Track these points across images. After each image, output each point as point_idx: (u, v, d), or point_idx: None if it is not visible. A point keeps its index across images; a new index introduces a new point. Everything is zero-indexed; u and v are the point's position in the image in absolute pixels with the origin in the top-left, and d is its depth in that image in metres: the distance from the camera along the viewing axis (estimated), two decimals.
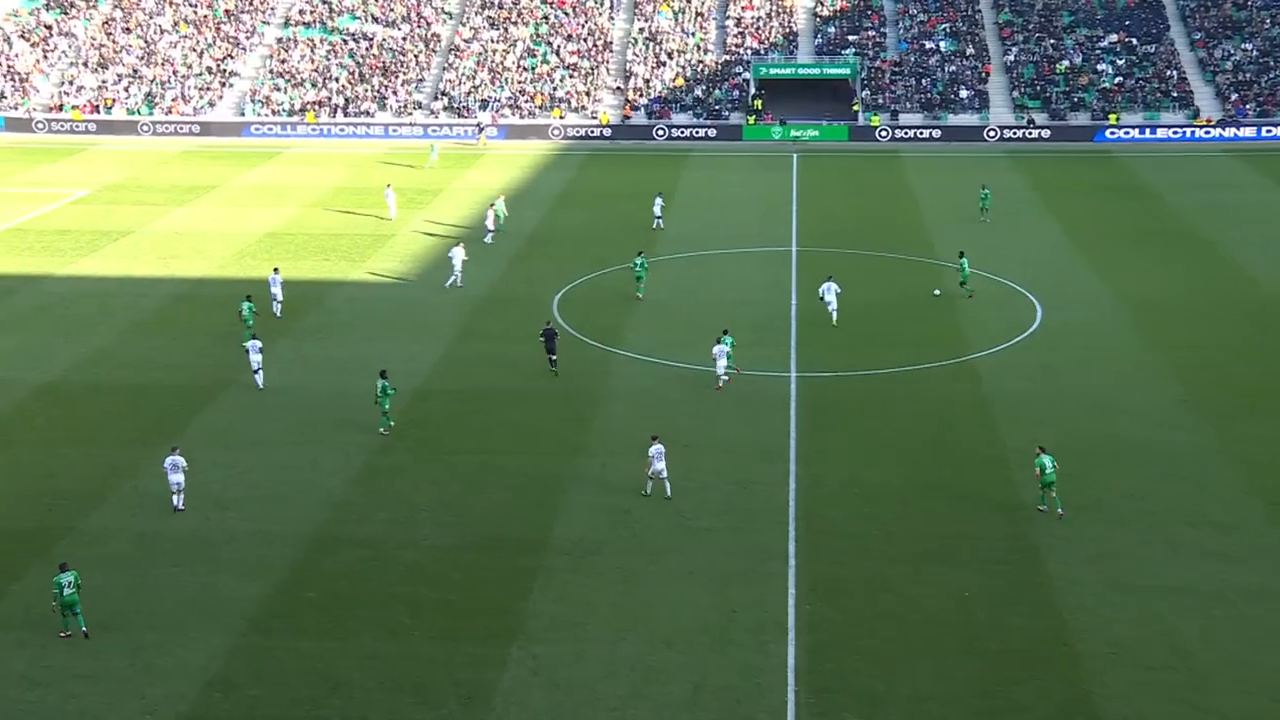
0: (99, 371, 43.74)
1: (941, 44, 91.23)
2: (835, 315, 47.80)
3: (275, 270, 50.25)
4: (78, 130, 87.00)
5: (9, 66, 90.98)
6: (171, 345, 45.97)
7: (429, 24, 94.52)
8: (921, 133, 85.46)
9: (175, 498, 33.34)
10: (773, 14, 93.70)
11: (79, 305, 50.60)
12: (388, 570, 30.57)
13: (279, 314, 48.47)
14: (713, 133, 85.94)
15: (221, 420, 39.53)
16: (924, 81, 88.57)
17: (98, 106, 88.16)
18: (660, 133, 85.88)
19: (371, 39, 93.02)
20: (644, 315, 49.06)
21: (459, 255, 52.67)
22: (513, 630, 28.04)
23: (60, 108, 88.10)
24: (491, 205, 61.61)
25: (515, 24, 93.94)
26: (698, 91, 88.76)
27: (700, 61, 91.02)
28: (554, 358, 42.61)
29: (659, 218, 62.37)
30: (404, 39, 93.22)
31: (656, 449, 33.79)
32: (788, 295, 51.84)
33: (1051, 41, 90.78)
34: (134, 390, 41.97)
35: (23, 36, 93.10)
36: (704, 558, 31.12)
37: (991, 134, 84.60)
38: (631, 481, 34.95)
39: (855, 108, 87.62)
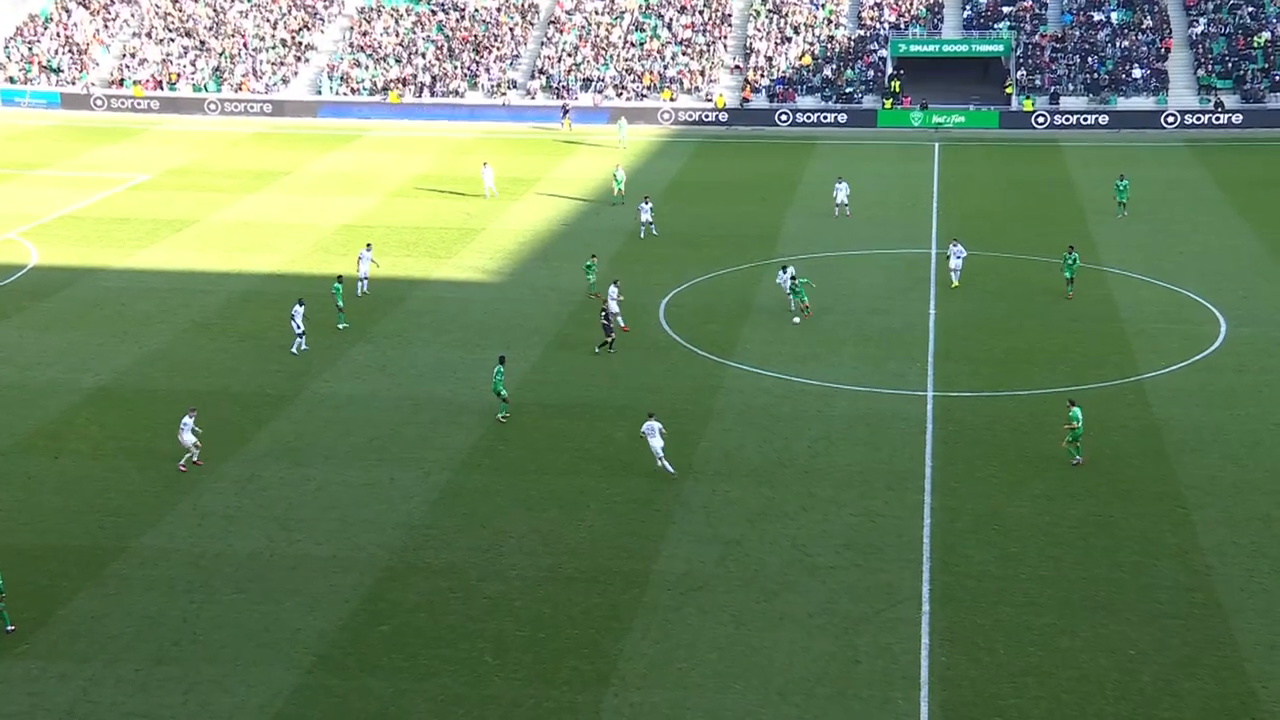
0: (156, 375, 45.10)
1: (1113, 15, 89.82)
2: (957, 278, 51.26)
3: (367, 246, 53.20)
4: (139, 108, 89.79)
5: (67, 37, 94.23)
6: (237, 348, 47.17)
7: None
8: (1085, 119, 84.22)
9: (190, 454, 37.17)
10: None
11: (136, 301, 52.22)
12: (470, 603, 31.02)
13: (361, 293, 51.36)
14: (843, 118, 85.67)
15: (290, 432, 40.48)
16: (1090, 60, 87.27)
17: (161, 82, 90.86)
18: (783, 118, 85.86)
19: (463, 10, 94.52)
20: (761, 325, 49.10)
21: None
22: (607, 674, 28.26)
23: (120, 83, 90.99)
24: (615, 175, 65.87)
25: None
26: (827, 71, 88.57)
27: (831, 38, 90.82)
28: (610, 340, 45.90)
29: (843, 204, 63.54)
30: (498, 10, 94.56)
31: (650, 426, 36.91)
32: (925, 303, 51.48)
33: (1250, 9, 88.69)
34: (194, 397, 43.08)
35: (82, 4, 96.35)
36: (824, 598, 31.06)
37: (1170, 120, 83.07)
38: (744, 510, 35.05)
39: (1008, 90, 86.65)
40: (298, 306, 46.58)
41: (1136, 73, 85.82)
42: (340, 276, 49.81)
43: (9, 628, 29.58)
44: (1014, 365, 45.21)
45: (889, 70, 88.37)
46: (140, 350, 47.11)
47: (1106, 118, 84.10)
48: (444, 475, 37.43)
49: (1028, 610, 30.51)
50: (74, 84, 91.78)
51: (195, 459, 37.68)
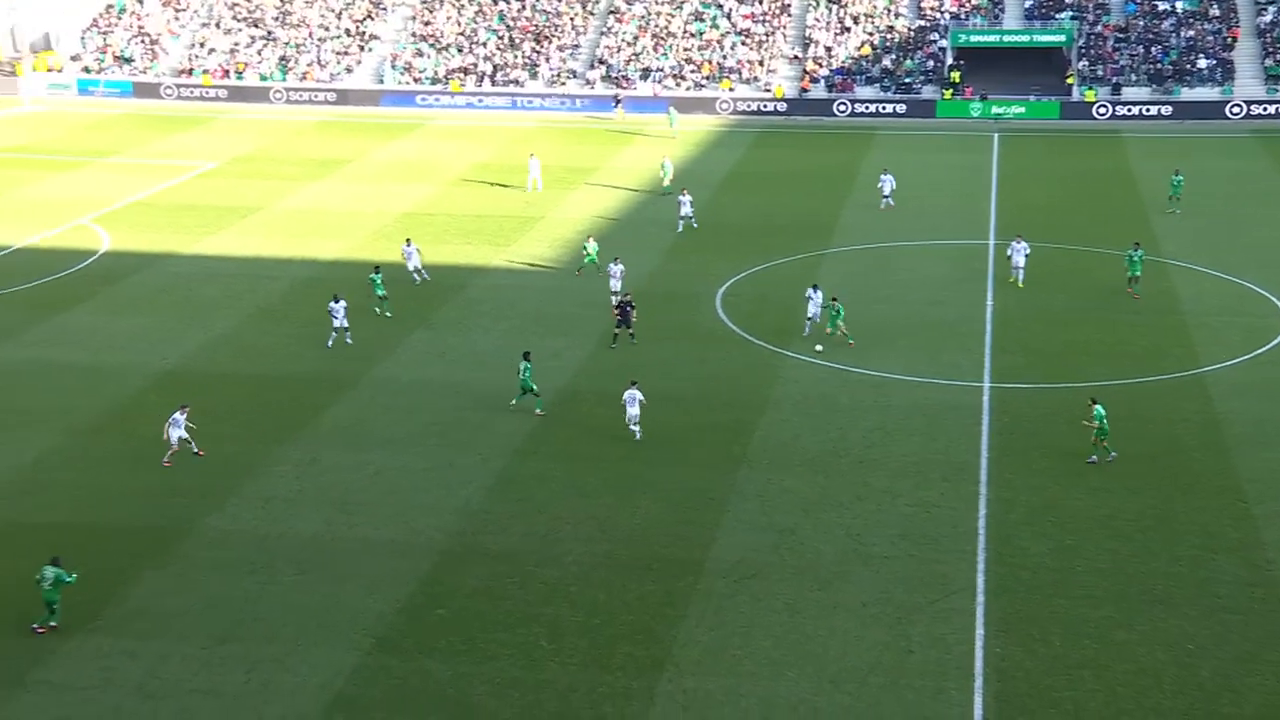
0: (222, 359, 45.57)
1: (1178, 4, 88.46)
2: (1021, 276, 50.28)
3: (408, 241, 52.85)
4: (207, 97, 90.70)
5: (139, 28, 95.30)
6: (300, 333, 47.57)
7: None
8: (1148, 109, 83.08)
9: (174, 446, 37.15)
10: None
11: (203, 287, 52.77)
12: (527, 588, 31.14)
13: (421, 280, 51.84)
14: (902, 109, 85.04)
15: (351, 417, 40.77)
16: (1154, 50, 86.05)
17: (228, 71, 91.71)
18: (842, 108, 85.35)
19: (524, 0, 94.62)
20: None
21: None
22: (661, 660, 28.28)
23: (190, 72, 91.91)
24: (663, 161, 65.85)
25: None
26: (886, 62, 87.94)
27: (890, 28, 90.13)
28: (631, 330, 45.31)
29: (887, 197, 62.77)
30: (559, 1, 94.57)
31: (631, 394, 38.25)
32: (982, 295, 51.03)
33: None
34: (258, 381, 43.57)
35: None
36: (878, 588, 30.90)
37: (1235, 110, 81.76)
38: (799, 499, 34.93)
39: (1069, 80, 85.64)
40: (335, 303, 45.97)
41: (1202, 63, 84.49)
42: (378, 267, 49.67)
43: (51, 624, 29.36)
44: (1072, 357, 44.72)
45: (949, 61, 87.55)
46: (207, 335, 47.61)
47: (1170, 108, 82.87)
48: (501, 461, 37.56)
49: (1084, 602, 30.19)
50: (145, 73, 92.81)
51: (195, 450, 37.50)
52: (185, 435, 37.33)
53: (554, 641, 29.01)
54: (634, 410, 38.39)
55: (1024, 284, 51.09)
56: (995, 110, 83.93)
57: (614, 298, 48.68)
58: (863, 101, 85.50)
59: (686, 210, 59.43)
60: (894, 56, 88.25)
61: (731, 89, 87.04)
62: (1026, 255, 51.44)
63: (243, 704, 27.11)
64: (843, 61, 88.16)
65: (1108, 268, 53.27)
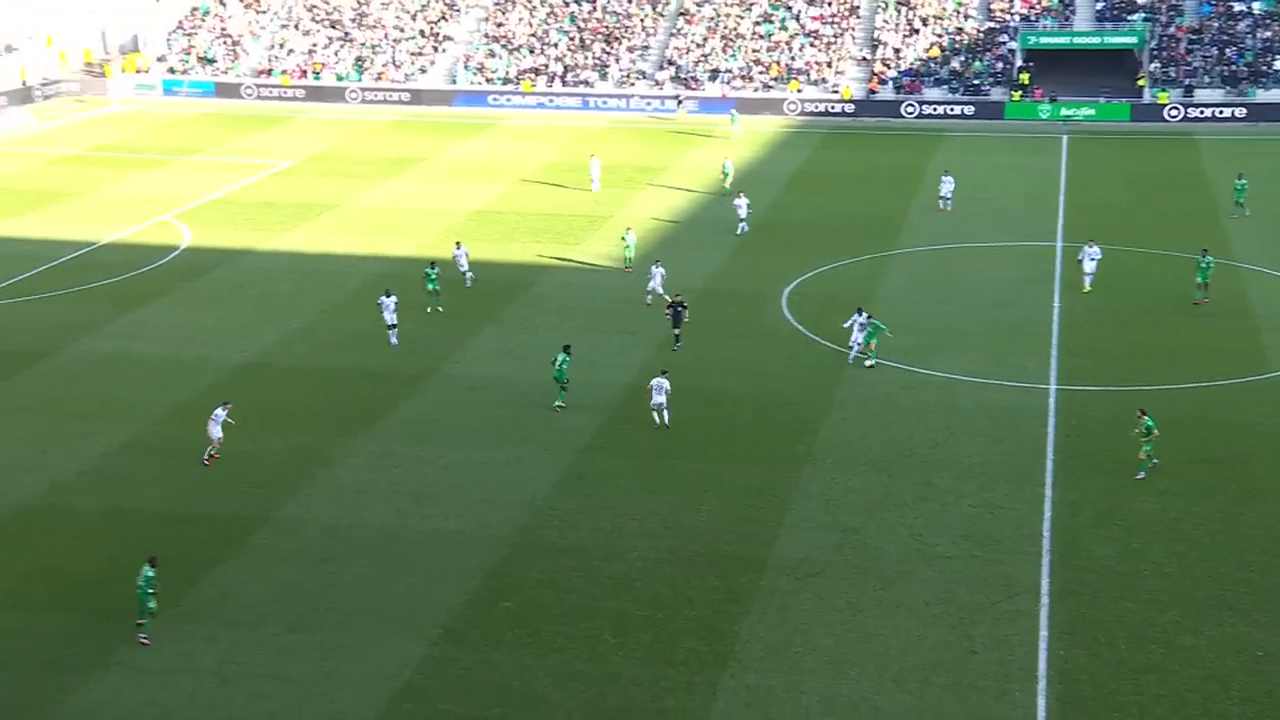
0: (297, 354, 46.13)
1: (1255, 5, 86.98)
2: (1090, 281, 49.85)
3: (458, 244, 52.83)
4: (286, 96, 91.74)
5: (222, 29, 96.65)
6: (373, 328, 47.97)
7: None
8: (1221, 112, 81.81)
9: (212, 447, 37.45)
10: None
11: (280, 282, 53.42)
12: (592, 582, 31.26)
13: (470, 283, 51.61)
14: (970, 110, 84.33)
15: (421, 411, 41.13)
16: (1228, 51, 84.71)
17: (306, 71, 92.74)
18: (909, 109, 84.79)
19: (595, 2, 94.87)
20: (884, 315, 48.54)
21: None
22: (724, 656, 28.30)
23: (269, 72, 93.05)
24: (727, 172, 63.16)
25: None
26: (955, 63, 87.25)
27: (960, 29, 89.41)
28: (677, 333, 44.80)
29: (947, 198, 62.26)
30: (630, 2, 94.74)
31: (658, 382, 38.64)
32: (1049, 297, 50.52)
33: None
34: (332, 375, 44.06)
35: None
36: (941, 588, 30.72)
37: None
38: (863, 499, 34.80)
39: (1140, 82, 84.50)
40: (385, 298, 46.00)
41: (1278, 64, 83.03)
42: (433, 262, 50.20)
43: (142, 621, 29.55)
44: (1140, 360, 44.18)
45: (1018, 62, 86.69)
46: (283, 329, 48.20)
47: (1243, 110, 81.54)
48: (568, 457, 37.72)
49: (1150, 606, 29.83)
50: (226, 74, 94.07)
51: (214, 453, 37.32)
52: (221, 435, 37.21)
53: (618, 635, 29.11)
54: (659, 399, 38.77)
55: (1092, 287, 50.50)
56: (1064, 112, 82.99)
57: (648, 297, 48.94)
58: (931, 103, 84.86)
59: (743, 213, 59.15)
60: (963, 58, 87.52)
61: (799, 90, 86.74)
62: (1097, 260, 50.71)
63: (314, 690, 27.45)
64: (911, 63, 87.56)
65: (1177, 271, 52.53)
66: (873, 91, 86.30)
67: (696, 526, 33.81)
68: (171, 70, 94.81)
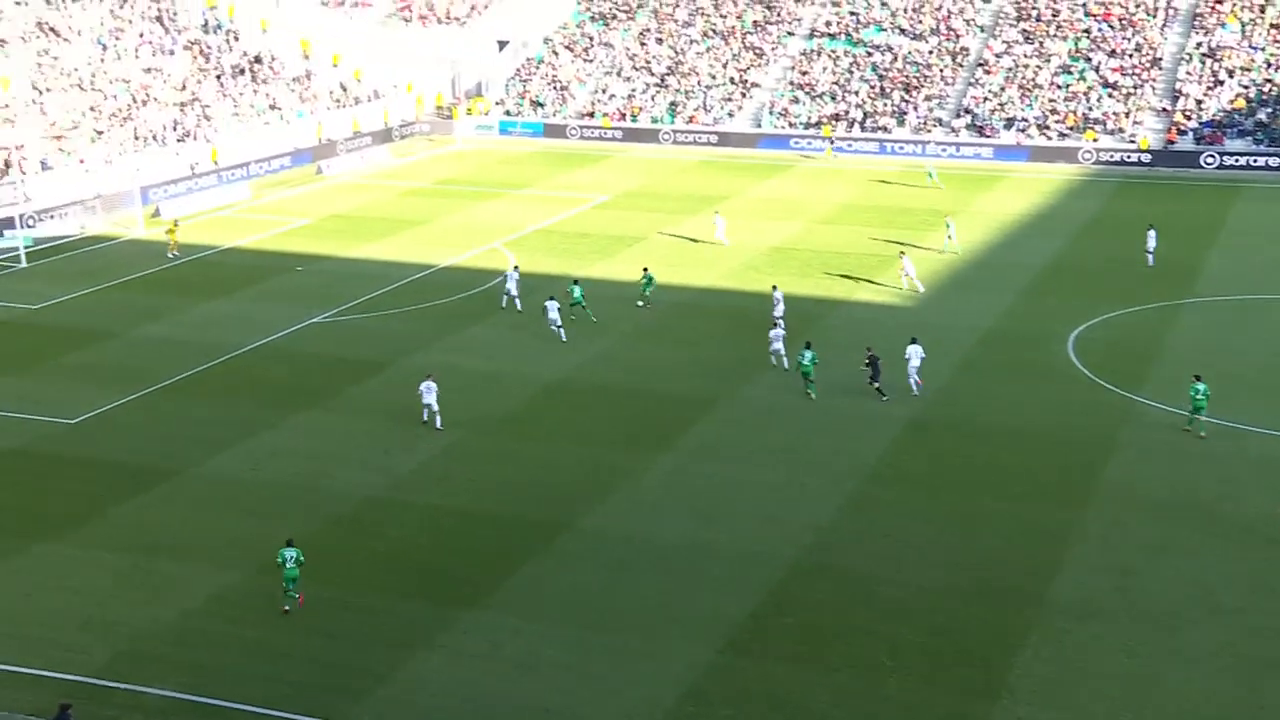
0: (601, 373, 47.20)
1: None
2: None
3: (515, 268, 55.60)
4: (605, 137, 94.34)
5: (553, 76, 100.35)
6: (673, 353, 48.72)
7: (958, 37, 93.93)
8: None
9: (432, 417, 41.33)
10: None
11: (590, 308, 54.77)
12: (870, 606, 30.78)
13: (520, 308, 53.53)
14: (1275, 162, 79.05)
15: (714, 433, 41.41)
16: None
17: (625, 114, 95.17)
18: (1209, 160, 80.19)
19: (896, 51, 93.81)
20: (1174, 362, 46.14)
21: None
22: (997, 687, 27.35)
23: (592, 114, 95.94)
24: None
25: (1052, 38, 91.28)
26: (1261, 115, 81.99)
27: (1268, 80, 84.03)
28: (878, 384, 43.24)
29: (1151, 251, 58.81)
30: (930, 52, 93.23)
31: (776, 332, 43.62)
32: None
33: None
34: (633, 394, 44.88)
35: (568, 48, 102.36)
36: (1226, 639, 28.84)
37: None
38: (1143, 543, 33.05)
39: None
40: (549, 301, 50.07)
41: None
42: (576, 280, 52.84)
43: (292, 600, 31.15)
44: None
45: None
46: (590, 350, 49.42)
47: None
48: (852, 483, 37.27)
49: None
50: (554, 116, 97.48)
51: (432, 421, 41.28)
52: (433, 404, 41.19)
53: (894, 658, 28.54)
54: (778, 346, 44.23)
55: None
56: None
57: (777, 322, 48.59)
58: (1232, 154, 79.98)
59: (910, 270, 55.47)
60: (1270, 110, 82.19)
61: (1095, 139, 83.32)
62: None
63: (607, 685, 27.98)
64: (1213, 114, 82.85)
65: None
66: (1170, 142, 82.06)
67: (975, 559, 32.83)
68: (507, 112, 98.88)
